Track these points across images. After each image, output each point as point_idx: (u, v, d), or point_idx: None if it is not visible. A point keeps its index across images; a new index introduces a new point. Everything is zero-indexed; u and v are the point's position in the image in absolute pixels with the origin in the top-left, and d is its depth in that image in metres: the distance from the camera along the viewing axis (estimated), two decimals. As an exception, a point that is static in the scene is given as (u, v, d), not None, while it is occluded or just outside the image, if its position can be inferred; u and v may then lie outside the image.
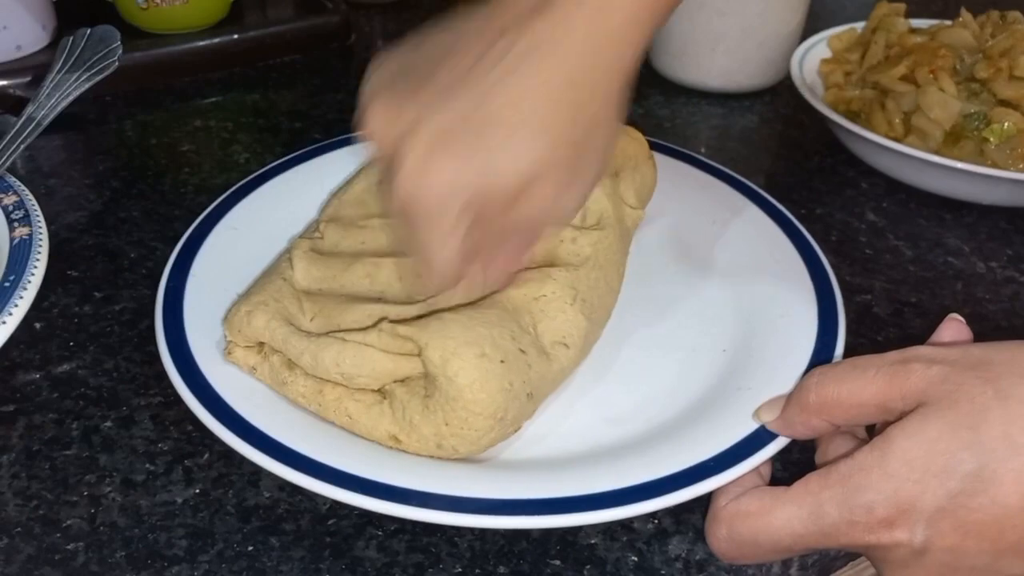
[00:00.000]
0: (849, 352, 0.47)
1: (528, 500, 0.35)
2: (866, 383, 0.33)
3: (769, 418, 0.38)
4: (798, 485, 0.33)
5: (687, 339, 0.46)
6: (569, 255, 0.43)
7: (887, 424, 0.32)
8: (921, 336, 0.48)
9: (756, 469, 0.37)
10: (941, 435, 0.30)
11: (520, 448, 0.40)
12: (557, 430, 0.41)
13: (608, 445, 0.40)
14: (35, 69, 0.67)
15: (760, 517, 0.33)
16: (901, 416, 0.32)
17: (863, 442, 0.33)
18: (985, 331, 0.49)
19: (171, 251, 0.48)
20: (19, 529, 0.37)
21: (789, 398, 0.37)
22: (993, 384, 0.30)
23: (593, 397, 0.43)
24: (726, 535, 0.34)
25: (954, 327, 0.37)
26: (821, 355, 0.42)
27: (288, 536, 0.37)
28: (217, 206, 0.52)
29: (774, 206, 0.53)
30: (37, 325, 0.48)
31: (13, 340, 0.43)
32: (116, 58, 0.55)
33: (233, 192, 0.53)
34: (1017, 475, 0.29)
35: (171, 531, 0.38)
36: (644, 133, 0.61)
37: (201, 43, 0.75)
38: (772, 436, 0.37)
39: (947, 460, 0.30)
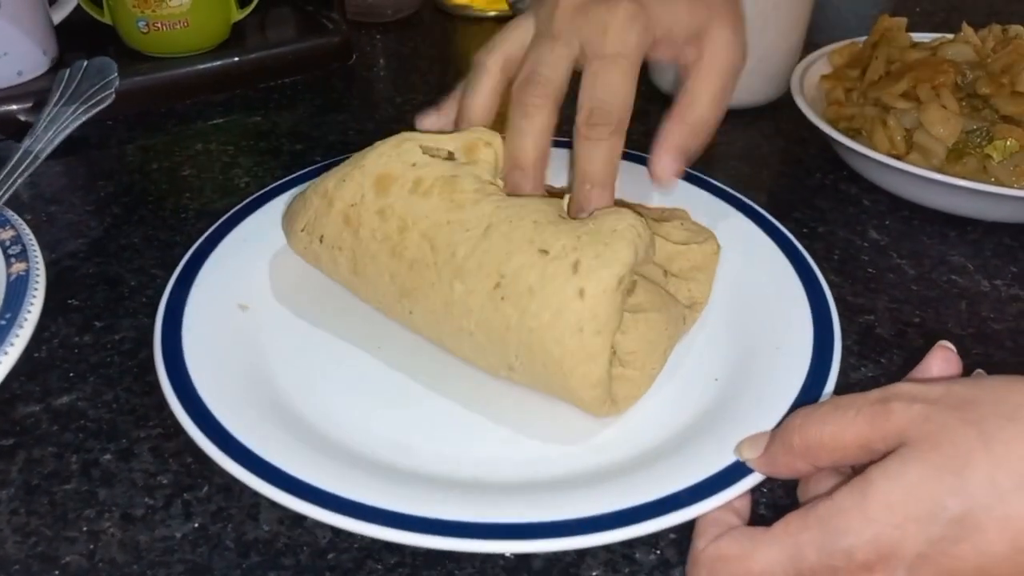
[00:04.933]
0: (852, 375, 0.47)
1: (503, 524, 0.35)
2: (847, 424, 0.32)
3: (751, 455, 0.37)
4: (777, 526, 0.32)
5: (681, 365, 0.45)
6: None
7: (870, 463, 0.32)
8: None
9: (734, 507, 0.36)
10: (923, 479, 0.29)
11: (511, 470, 0.40)
12: (549, 455, 0.41)
13: (589, 471, 0.39)
14: (37, 95, 0.67)
15: (740, 562, 0.32)
16: (884, 457, 0.31)
17: (846, 479, 0.32)
18: (990, 351, 0.49)
19: (171, 278, 0.48)
20: (17, 567, 0.37)
21: (773, 437, 0.36)
22: (977, 426, 0.29)
23: (582, 424, 0.42)
24: None
25: (942, 356, 0.37)
26: (811, 391, 0.41)
27: (287, 571, 0.37)
28: (218, 227, 0.52)
29: (778, 229, 0.53)
30: (37, 355, 0.48)
31: (14, 372, 0.43)
32: (113, 90, 0.55)
33: (235, 213, 0.54)
34: (1002, 523, 0.28)
35: (170, 567, 0.37)
36: (644, 151, 0.61)
37: (202, 66, 0.75)
38: (748, 470, 0.37)
39: (930, 505, 0.29)
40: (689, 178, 0.57)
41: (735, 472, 0.37)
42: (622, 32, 0.44)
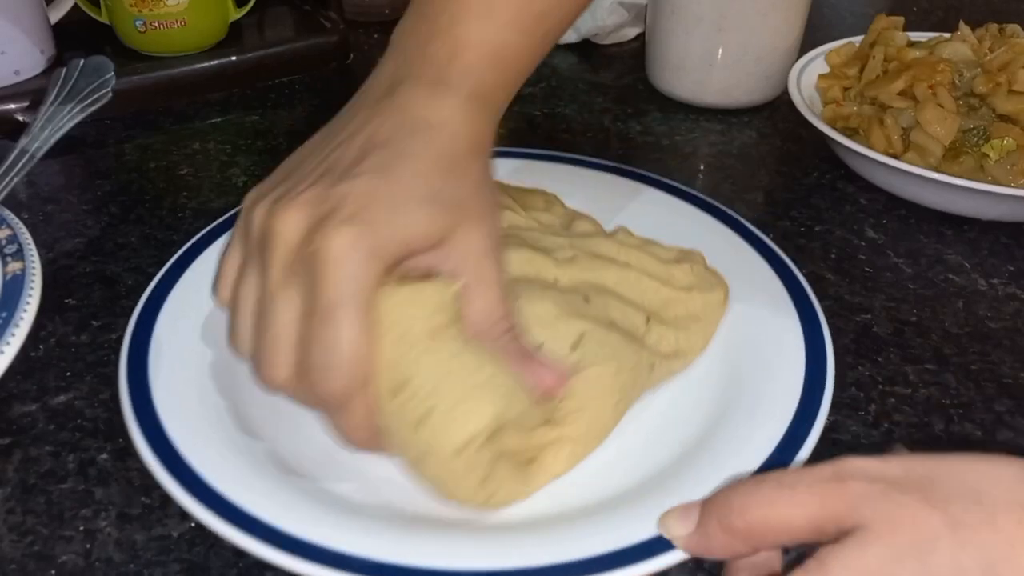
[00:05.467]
0: (849, 374, 0.47)
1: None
2: (796, 505, 0.29)
3: (680, 532, 0.33)
4: None
5: (657, 407, 0.43)
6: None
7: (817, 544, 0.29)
8: (921, 357, 0.48)
9: None
10: (883, 564, 0.27)
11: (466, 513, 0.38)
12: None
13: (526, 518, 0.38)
14: (34, 94, 0.67)
15: None
16: (837, 537, 0.28)
17: (788, 566, 0.30)
18: (987, 350, 0.49)
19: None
20: (13, 566, 0.37)
21: (708, 515, 0.32)
22: (942, 509, 0.27)
23: None
24: None
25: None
26: (776, 462, 0.38)
27: (284, 571, 0.37)
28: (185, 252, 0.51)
29: (794, 275, 0.49)
30: (34, 354, 0.48)
31: (10, 371, 0.43)
32: (109, 89, 0.55)
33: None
34: None
35: (166, 566, 0.37)
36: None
37: (200, 65, 0.75)
38: (665, 548, 0.33)
39: None
40: (711, 211, 0.55)
41: (646, 549, 0.34)
42: (338, 270, 0.34)
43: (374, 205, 0.36)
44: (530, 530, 0.36)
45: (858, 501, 0.28)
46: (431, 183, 0.37)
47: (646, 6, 0.77)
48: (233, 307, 0.39)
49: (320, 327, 0.34)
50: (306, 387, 0.36)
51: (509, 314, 0.38)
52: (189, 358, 0.44)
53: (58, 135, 0.52)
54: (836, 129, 0.61)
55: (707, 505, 0.32)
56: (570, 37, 0.84)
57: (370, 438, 0.37)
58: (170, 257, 0.50)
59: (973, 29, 0.66)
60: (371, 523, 0.36)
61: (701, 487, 0.36)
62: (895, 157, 0.58)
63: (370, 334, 0.35)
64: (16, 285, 0.39)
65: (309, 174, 0.38)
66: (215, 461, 0.38)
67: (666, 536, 0.34)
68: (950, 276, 0.55)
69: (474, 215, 0.38)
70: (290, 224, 0.36)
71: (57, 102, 0.53)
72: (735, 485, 0.32)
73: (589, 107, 0.75)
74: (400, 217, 0.36)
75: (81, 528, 0.39)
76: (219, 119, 0.73)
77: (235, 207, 0.54)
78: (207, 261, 0.50)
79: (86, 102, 0.54)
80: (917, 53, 0.64)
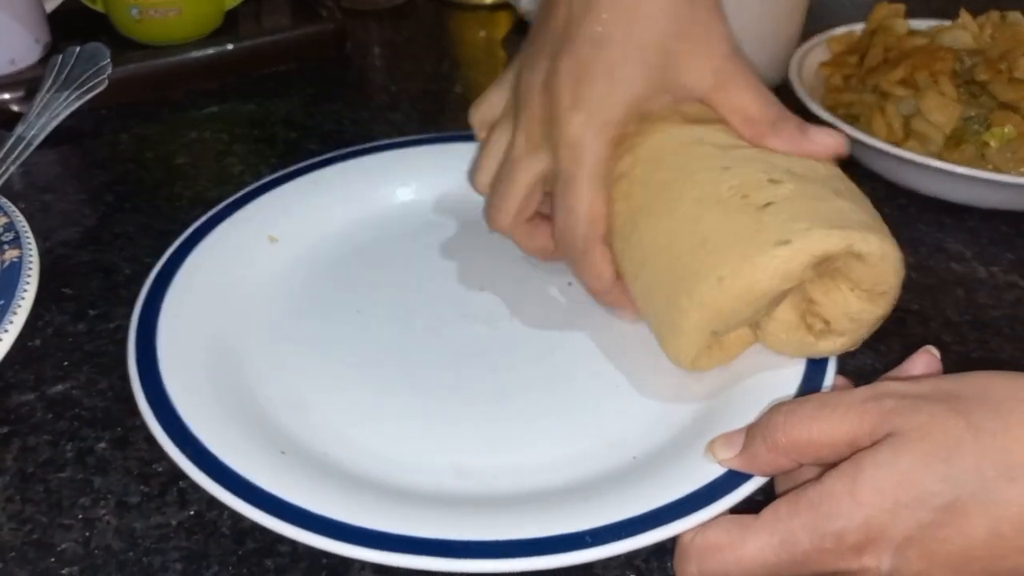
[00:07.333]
0: (851, 362, 0.47)
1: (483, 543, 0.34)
2: (837, 421, 0.32)
3: (728, 455, 0.36)
4: (767, 513, 0.32)
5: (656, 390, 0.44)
6: None
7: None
8: (922, 345, 0.48)
9: None
10: (913, 466, 0.30)
11: (513, 482, 0.39)
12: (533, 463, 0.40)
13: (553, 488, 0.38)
14: (29, 83, 0.66)
15: (731, 550, 0.32)
16: (871, 446, 0.32)
17: (827, 467, 0.33)
18: (987, 338, 0.49)
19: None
20: (13, 554, 0.37)
21: (752, 435, 0.35)
22: (965, 417, 0.30)
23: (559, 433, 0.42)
24: (696, 571, 0.33)
25: (925, 360, 0.37)
26: None
27: (284, 559, 0.37)
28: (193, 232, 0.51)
29: None
30: (31, 344, 0.48)
31: (8, 360, 0.43)
32: (106, 75, 0.55)
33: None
34: (984, 509, 0.29)
35: (166, 554, 0.37)
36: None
37: (196, 54, 0.75)
38: (705, 500, 0.35)
39: (920, 491, 0.30)
40: None
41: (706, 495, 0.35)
42: (573, 150, 0.42)
43: (589, 80, 0.42)
44: (524, 505, 0.37)
45: (891, 414, 0.31)
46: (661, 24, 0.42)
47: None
48: (485, 144, 0.47)
49: (562, 193, 0.43)
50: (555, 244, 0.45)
51: (776, 102, 0.43)
52: (195, 339, 0.45)
53: (55, 123, 0.51)
54: (837, 116, 0.61)
55: (752, 428, 0.36)
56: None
57: (610, 288, 0.44)
58: (167, 246, 0.50)
59: (974, 16, 0.65)
60: (378, 496, 0.37)
61: (696, 475, 0.36)
62: (896, 145, 0.58)
63: (604, 197, 0.42)
64: (13, 272, 0.38)
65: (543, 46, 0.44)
66: (226, 439, 0.38)
67: (715, 460, 0.36)
68: (951, 264, 0.55)
69: (707, 33, 0.44)
70: (533, 104, 0.43)
71: (53, 89, 0.53)
72: (778, 406, 0.35)
73: (588, 96, 0.75)
74: (618, 84, 0.42)
75: (80, 516, 0.39)
76: (215, 108, 0.73)
77: (232, 196, 0.54)
78: (210, 247, 0.50)
79: (82, 89, 0.53)
80: (918, 41, 0.64)
